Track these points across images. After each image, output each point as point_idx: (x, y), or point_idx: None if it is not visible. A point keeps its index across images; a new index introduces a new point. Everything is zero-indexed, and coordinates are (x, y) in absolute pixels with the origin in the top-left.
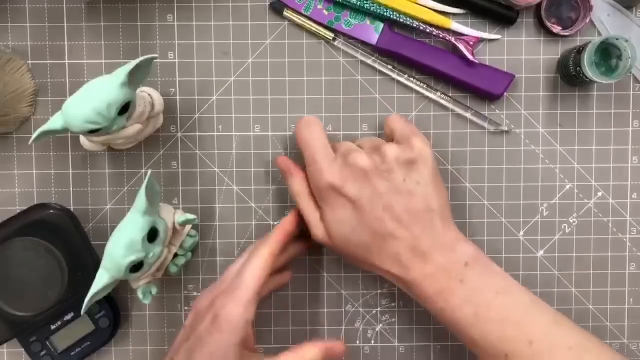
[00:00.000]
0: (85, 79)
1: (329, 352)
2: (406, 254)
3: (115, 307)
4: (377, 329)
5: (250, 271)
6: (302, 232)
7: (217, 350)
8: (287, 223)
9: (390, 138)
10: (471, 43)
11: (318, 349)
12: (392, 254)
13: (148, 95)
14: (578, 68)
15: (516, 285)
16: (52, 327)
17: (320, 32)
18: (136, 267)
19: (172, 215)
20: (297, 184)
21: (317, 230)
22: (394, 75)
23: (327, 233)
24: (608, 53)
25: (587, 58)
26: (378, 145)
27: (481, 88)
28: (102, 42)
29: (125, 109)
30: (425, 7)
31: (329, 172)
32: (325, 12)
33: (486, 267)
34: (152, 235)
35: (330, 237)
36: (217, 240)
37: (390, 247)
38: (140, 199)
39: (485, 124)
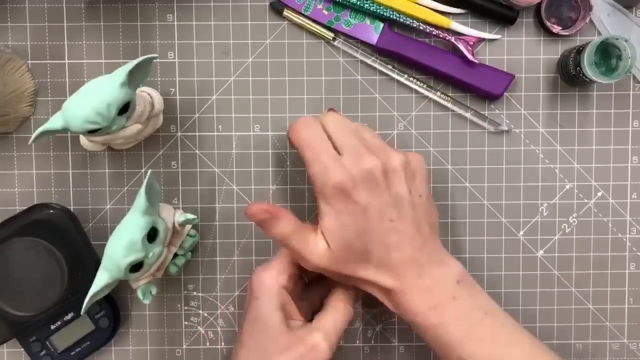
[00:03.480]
0: (85, 79)
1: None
2: (404, 267)
3: (115, 307)
4: (377, 329)
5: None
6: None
7: (257, 314)
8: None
9: None
10: (471, 43)
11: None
12: (391, 266)
13: (148, 95)
14: (578, 68)
15: (499, 307)
16: (52, 327)
17: (320, 32)
18: (136, 267)
19: (172, 215)
20: (286, 225)
21: (316, 248)
22: (394, 75)
23: (328, 241)
24: (608, 53)
25: (587, 58)
26: (382, 147)
27: (481, 88)
28: (102, 42)
29: (125, 109)
30: (425, 7)
31: (338, 171)
32: (325, 12)
33: (474, 286)
34: (152, 235)
35: (331, 245)
36: (217, 240)
37: (390, 258)
38: (140, 199)
39: (485, 124)
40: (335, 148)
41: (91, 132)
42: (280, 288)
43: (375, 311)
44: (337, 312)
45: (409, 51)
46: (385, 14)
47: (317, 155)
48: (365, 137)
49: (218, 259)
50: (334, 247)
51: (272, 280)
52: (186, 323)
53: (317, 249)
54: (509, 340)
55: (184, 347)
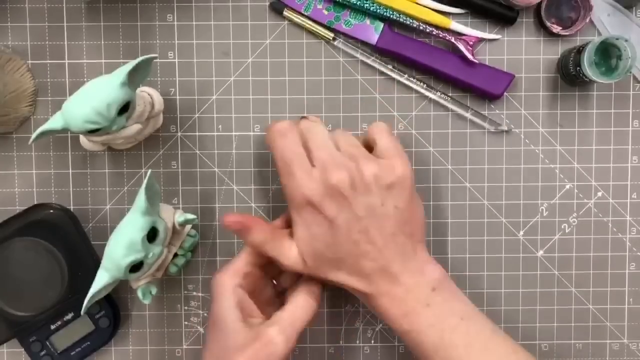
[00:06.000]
0: (85, 79)
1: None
2: (376, 275)
3: (115, 307)
4: (377, 329)
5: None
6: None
7: (217, 314)
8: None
9: (368, 144)
10: (471, 43)
11: (306, 293)
12: (363, 274)
13: (148, 95)
14: (578, 68)
15: (479, 312)
16: (52, 327)
17: (320, 32)
18: (136, 267)
19: (172, 215)
20: (258, 234)
21: (290, 253)
22: (394, 75)
23: (301, 251)
24: (608, 53)
25: (587, 58)
26: (355, 155)
27: (481, 88)
28: (102, 42)
29: (125, 109)
30: (425, 7)
31: (308, 187)
32: (325, 12)
33: (452, 292)
34: (152, 235)
35: (303, 252)
36: (217, 240)
37: (361, 267)
38: (140, 199)
39: (485, 124)
40: (307, 150)
41: (91, 132)
42: (235, 287)
43: None
44: (296, 306)
45: (409, 51)
46: (385, 14)
47: (289, 168)
48: (340, 144)
49: (218, 259)
50: (305, 255)
51: (227, 280)
52: (186, 323)
53: (290, 254)
54: (485, 346)
55: (184, 347)
